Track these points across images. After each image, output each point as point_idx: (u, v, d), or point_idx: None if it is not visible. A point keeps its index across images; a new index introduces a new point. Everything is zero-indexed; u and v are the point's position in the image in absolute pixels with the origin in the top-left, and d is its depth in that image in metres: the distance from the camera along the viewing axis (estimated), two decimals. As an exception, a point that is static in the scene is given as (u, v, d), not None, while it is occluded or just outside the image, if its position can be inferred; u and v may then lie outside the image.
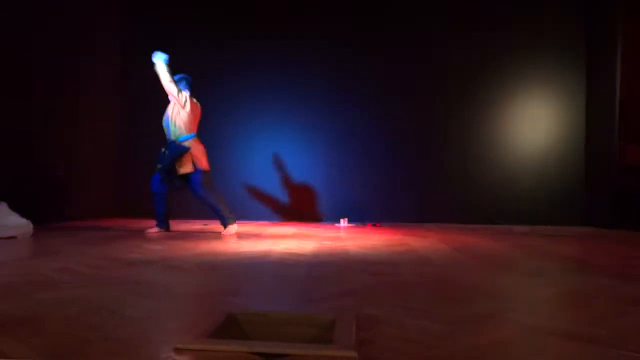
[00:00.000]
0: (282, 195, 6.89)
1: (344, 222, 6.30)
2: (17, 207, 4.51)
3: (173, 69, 5.88)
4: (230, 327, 1.55)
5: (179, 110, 4.90)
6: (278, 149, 6.88)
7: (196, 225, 5.96)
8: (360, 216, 6.58)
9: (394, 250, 3.87)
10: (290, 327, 1.59)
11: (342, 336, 1.38)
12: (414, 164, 6.78)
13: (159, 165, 4.88)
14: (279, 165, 6.87)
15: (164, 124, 5.00)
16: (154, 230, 5.07)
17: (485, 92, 6.75)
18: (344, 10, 6.86)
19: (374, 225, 6.25)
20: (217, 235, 4.87)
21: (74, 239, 4.30)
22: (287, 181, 6.89)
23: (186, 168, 4.86)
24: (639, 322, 1.89)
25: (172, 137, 4.91)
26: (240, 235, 4.91)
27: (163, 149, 4.92)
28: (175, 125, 4.90)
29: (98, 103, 6.66)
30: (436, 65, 6.77)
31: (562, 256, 3.81)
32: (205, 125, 6.31)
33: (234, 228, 5.03)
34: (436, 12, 6.80)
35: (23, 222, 4.41)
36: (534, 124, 6.70)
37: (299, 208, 6.87)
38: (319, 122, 6.83)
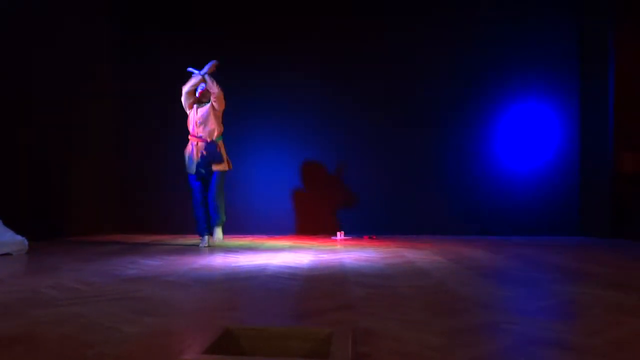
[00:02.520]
0: (278, 208, 6.87)
1: (340, 235, 6.30)
2: (13, 224, 4.49)
3: (171, 78, 5.98)
4: (227, 343, 1.55)
5: (214, 111, 5.13)
6: (273, 162, 6.88)
7: (193, 240, 5.93)
8: (356, 229, 6.58)
9: (390, 263, 3.87)
10: (287, 342, 1.59)
11: (338, 350, 1.38)
12: (409, 175, 6.78)
13: (202, 170, 5.07)
14: (275, 179, 6.87)
15: (193, 126, 5.13)
16: (204, 242, 5.14)
17: (479, 103, 6.78)
18: (349, 22, 6.86)
19: (370, 237, 6.25)
20: (214, 250, 4.86)
21: (69, 256, 4.28)
22: (283, 194, 6.88)
23: (222, 166, 5.14)
24: (634, 332, 1.90)
25: (209, 138, 5.10)
26: (236, 250, 4.90)
27: (204, 152, 5.06)
28: (212, 126, 5.11)
29: (93, 116, 6.66)
30: (431, 76, 6.80)
31: (558, 266, 3.82)
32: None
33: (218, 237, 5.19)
34: (433, 22, 6.84)
35: (18, 239, 4.39)
36: (529, 134, 6.74)
37: (295, 221, 6.86)
38: (314, 136, 6.84)
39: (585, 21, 6.64)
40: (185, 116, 5.26)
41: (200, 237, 5.20)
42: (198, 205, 5.13)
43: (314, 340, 1.55)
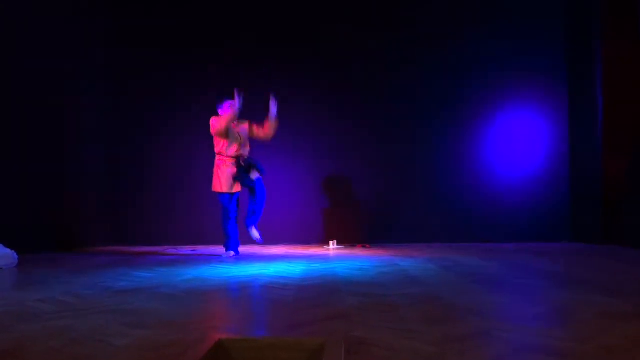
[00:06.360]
0: (270, 218, 6.84)
1: (333, 244, 6.29)
2: (2, 237, 4.45)
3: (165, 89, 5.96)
4: (219, 354, 1.53)
5: (253, 133, 5.39)
6: (265, 171, 6.86)
7: (185, 250, 5.90)
8: (349, 237, 6.57)
9: (383, 271, 3.87)
10: (280, 353, 1.58)
11: (330, 360, 1.37)
12: (401, 184, 6.80)
13: (246, 180, 5.27)
14: (267, 189, 6.84)
15: (235, 147, 5.25)
16: (229, 254, 5.25)
17: (470, 112, 6.81)
18: (341, 32, 6.90)
19: (363, 246, 6.25)
20: (207, 260, 4.83)
21: (60, 269, 4.24)
22: (275, 204, 6.86)
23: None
24: (626, 337, 1.91)
25: (247, 154, 5.34)
26: (229, 260, 4.88)
27: (242, 163, 5.25)
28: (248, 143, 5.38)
29: (86, 127, 6.63)
30: (420, 85, 6.83)
31: (550, 273, 3.83)
32: (197, 143, 6.31)
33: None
34: (422, 30, 6.87)
35: (7, 252, 4.34)
36: (519, 141, 6.78)
37: (288, 231, 6.83)
38: (306, 144, 6.84)
39: (573, 27, 6.71)
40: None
41: (226, 250, 5.30)
42: (232, 223, 5.29)
43: (306, 350, 1.54)
